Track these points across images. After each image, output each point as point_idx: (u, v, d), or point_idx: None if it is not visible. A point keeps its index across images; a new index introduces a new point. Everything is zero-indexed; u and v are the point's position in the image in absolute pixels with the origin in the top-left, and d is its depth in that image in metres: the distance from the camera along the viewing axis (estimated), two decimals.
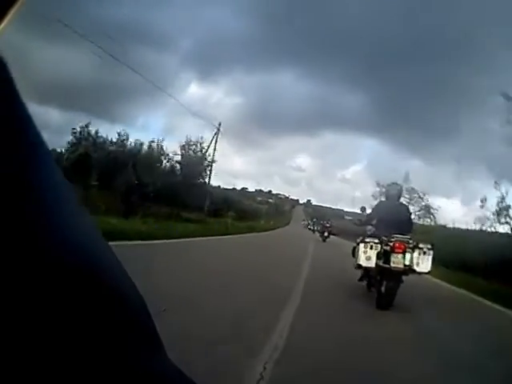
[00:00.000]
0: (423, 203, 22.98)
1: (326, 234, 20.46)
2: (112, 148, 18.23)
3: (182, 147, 21.12)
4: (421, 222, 21.79)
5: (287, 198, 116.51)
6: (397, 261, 4.58)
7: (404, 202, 7.51)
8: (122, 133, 19.19)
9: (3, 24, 0.25)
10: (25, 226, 0.22)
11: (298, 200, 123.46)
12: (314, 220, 38.57)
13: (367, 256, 4.80)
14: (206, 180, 21.46)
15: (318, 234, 22.14)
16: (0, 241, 0.20)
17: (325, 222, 22.35)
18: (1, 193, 0.21)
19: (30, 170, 0.23)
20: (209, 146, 21.35)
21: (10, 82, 0.24)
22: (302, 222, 49.99)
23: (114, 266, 0.27)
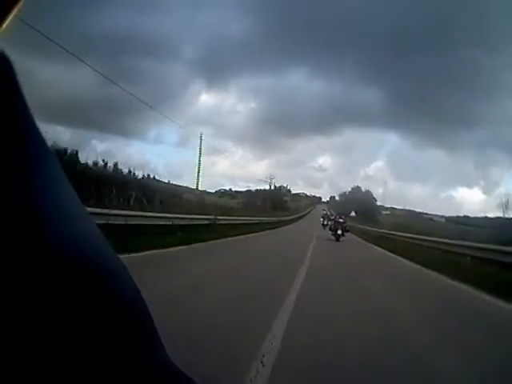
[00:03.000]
0: None
1: (339, 231, 17.27)
2: None
3: None
4: None
5: (307, 196, 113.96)
6: None
7: None
8: None
9: (5, 24, 0.25)
10: (25, 225, 0.22)
11: (320, 198, 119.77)
12: (326, 214, 33.36)
13: None
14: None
15: (330, 232, 18.53)
16: (2, 244, 0.21)
17: (337, 216, 18.89)
18: (2, 196, 0.21)
19: (31, 169, 0.24)
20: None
21: (14, 81, 0.24)
22: (323, 213, 37.58)
23: (113, 264, 0.27)
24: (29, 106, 0.25)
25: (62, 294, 0.22)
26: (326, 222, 28.37)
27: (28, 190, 0.23)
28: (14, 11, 0.26)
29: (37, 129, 0.25)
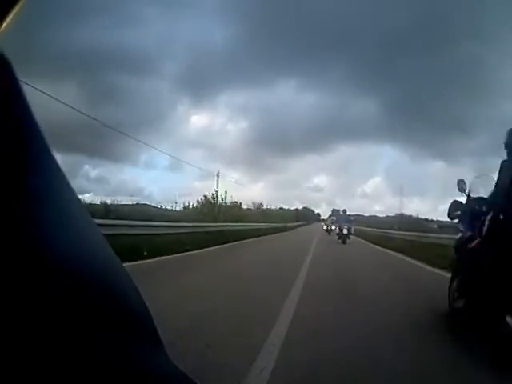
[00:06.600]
0: None
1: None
2: None
3: None
4: None
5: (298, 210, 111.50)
6: None
7: None
8: None
9: (4, 24, 0.25)
10: (26, 229, 0.22)
11: (318, 214, 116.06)
12: (334, 217, 23.57)
13: None
14: None
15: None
16: (2, 244, 0.20)
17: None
18: (2, 195, 0.21)
19: (32, 172, 0.23)
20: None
21: (15, 81, 0.24)
22: (332, 219, 27.35)
23: (114, 266, 0.27)
24: (30, 106, 0.24)
25: (61, 296, 0.22)
26: (344, 230, 17.69)
27: (28, 190, 0.23)
28: (14, 11, 0.25)
29: (38, 129, 0.25)
